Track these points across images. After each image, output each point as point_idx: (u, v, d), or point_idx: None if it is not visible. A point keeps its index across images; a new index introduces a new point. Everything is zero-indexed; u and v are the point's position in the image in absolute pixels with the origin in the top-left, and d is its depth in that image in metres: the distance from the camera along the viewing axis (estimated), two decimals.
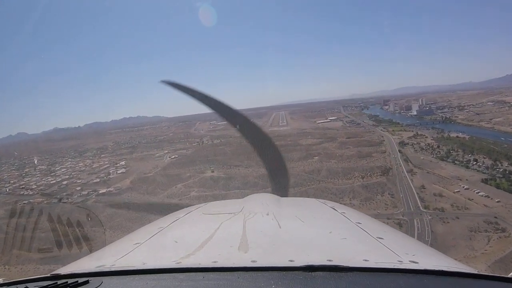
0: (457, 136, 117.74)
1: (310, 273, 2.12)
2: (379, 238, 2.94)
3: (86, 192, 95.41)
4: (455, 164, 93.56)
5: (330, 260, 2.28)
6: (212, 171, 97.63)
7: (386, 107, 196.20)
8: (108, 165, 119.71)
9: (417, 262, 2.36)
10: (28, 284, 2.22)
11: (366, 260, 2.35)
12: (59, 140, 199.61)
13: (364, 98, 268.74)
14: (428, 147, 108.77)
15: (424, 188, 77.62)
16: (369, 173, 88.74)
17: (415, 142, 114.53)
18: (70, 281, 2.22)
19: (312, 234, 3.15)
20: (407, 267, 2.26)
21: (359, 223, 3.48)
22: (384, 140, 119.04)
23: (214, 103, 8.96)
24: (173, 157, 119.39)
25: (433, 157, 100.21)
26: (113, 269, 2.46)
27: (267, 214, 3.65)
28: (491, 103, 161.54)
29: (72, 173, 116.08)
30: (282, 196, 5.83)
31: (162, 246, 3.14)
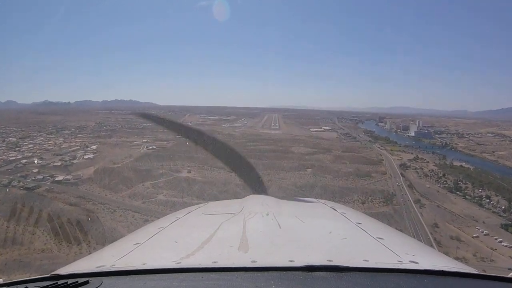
0: (461, 166, 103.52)
1: (310, 273, 2.04)
2: (379, 238, 2.76)
3: (41, 177, 77.31)
4: (466, 199, 77.77)
5: (330, 260, 2.18)
6: (189, 171, 79.32)
7: (382, 124, 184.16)
8: (78, 147, 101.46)
9: (417, 262, 2.23)
10: (28, 284, 2.07)
11: (366, 260, 2.23)
12: (44, 114, 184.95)
13: (359, 112, 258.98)
14: (433, 174, 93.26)
15: (438, 227, 61.26)
16: (370, 198, 71.89)
17: (418, 166, 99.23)
18: (70, 281, 2.09)
19: (312, 234, 2.93)
20: (407, 267, 2.15)
21: (359, 223, 3.29)
22: (383, 159, 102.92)
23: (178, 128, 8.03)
24: (150, 147, 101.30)
25: (440, 186, 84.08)
26: (113, 269, 2.30)
27: (267, 214, 3.43)
28: (491, 135, 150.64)
29: (38, 151, 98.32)
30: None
31: (162, 246, 2.88)
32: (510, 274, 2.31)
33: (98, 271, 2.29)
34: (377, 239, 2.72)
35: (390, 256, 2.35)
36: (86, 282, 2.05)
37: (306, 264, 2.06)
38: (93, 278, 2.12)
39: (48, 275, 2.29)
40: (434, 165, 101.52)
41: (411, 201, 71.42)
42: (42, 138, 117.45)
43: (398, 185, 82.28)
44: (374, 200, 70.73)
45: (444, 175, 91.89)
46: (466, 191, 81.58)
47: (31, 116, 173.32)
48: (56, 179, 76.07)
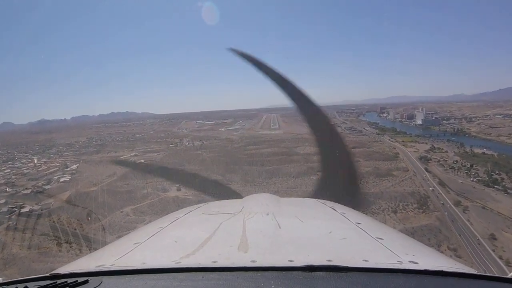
0: (484, 153, 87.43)
1: (309, 273, 2.01)
2: (379, 238, 2.70)
3: (6, 209, 61.14)
4: (508, 193, 61.52)
5: (329, 260, 2.14)
6: (179, 189, 62.98)
7: (384, 114, 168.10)
8: (57, 168, 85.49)
9: (416, 263, 2.19)
10: (27, 284, 2.06)
11: (365, 260, 2.19)
12: (38, 133, 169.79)
13: (357, 104, 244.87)
14: (459, 166, 77.36)
15: (495, 239, 45.62)
16: (401, 204, 55.98)
17: (439, 158, 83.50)
18: (69, 280, 2.07)
19: (312, 234, 2.88)
20: (406, 268, 2.11)
21: (359, 223, 3.21)
22: (398, 153, 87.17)
23: (282, 81, 7.00)
24: (138, 162, 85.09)
25: (473, 181, 68.09)
26: (112, 269, 2.27)
27: (267, 214, 3.38)
28: (500, 116, 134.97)
29: (13, 176, 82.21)
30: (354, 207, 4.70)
31: (161, 246, 2.81)
32: (510, 275, 2.30)
33: (98, 270, 2.24)
34: (377, 239, 2.66)
35: (389, 256, 2.30)
36: (86, 282, 2.02)
37: (306, 264, 2.03)
38: (93, 277, 2.08)
39: (48, 275, 2.20)
40: (455, 155, 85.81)
41: (451, 204, 55.54)
42: (24, 160, 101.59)
43: (425, 180, 66.72)
44: (407, 207, 54.74)
45: (471, 166, 75.84)
46: (503, 183, 65.49)
47: (24, 137, 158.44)
48: (22, 210, 60.05)
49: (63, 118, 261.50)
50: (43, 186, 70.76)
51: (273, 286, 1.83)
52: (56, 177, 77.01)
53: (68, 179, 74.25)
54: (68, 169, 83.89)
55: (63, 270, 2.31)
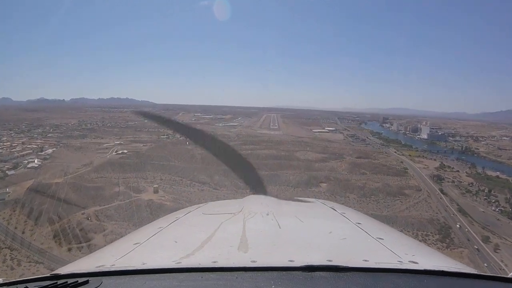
0: (498, 176, 77.37)
1: (309, 273, 1.97)
2: (379, 238, 2.66)
3: None
4: None
5: (330, 260, 2.10)
6: (156, 191, 51.54)
7: (387, 125, 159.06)
8: (31, 151, 74.11)
9: (417, 262, 2.16)
10: (28, 284, 2.01)
11: (366, 260, 2.16)
12: (32, 111, 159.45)
13: (358, 113, 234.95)
14: (476, 189, 67.52)
15: None
16: (419, 233, 45.40)
17: (451, 178, 73.57)
18: (70, 281, 2.02)
19: (312, 234, 2.83)
20: (407, 267, 2.08)
21: (359, 223, 3.14)
22: (407, 168, 76.71)
23: (176, 126, 10.02)
24: (120, 152, 73.84)
25: (495, 210, 57.78)
26: (112, 269, 2.23)
27: (267, 214, 3.30)
28: (507, 138, 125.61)
29: None
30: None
31: (161, 246, 2.74)
32: (510, 274, 2.26)
33: (98, 271, 2.20)
34: (377, 239, 2.62)
35: (390, 256, 2.27)
36: (86, 282, 1.98)
37: (306, 264, 1.99)
38: (93, 278, 2.05)
39: (48, 275, 2.16)
40: (467, 176, 76.33)
41: (479, 240, 44.79)
42: (5, 138, 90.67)
43: (442, 203, 56.34)
44: (427, 238, 43.80)
45: (490, 191, 65.81)
46: None
47: (16, 113, 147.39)
48: None
49: (62, 99, 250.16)
50: (7, 171, 59.50)
51: (273, 286, 1.81)
52: (25, 161, 65.89)
53: (36, 165, 63.01)
54: (43, 153, 72.73)
55: (63, 270, 2.25)
